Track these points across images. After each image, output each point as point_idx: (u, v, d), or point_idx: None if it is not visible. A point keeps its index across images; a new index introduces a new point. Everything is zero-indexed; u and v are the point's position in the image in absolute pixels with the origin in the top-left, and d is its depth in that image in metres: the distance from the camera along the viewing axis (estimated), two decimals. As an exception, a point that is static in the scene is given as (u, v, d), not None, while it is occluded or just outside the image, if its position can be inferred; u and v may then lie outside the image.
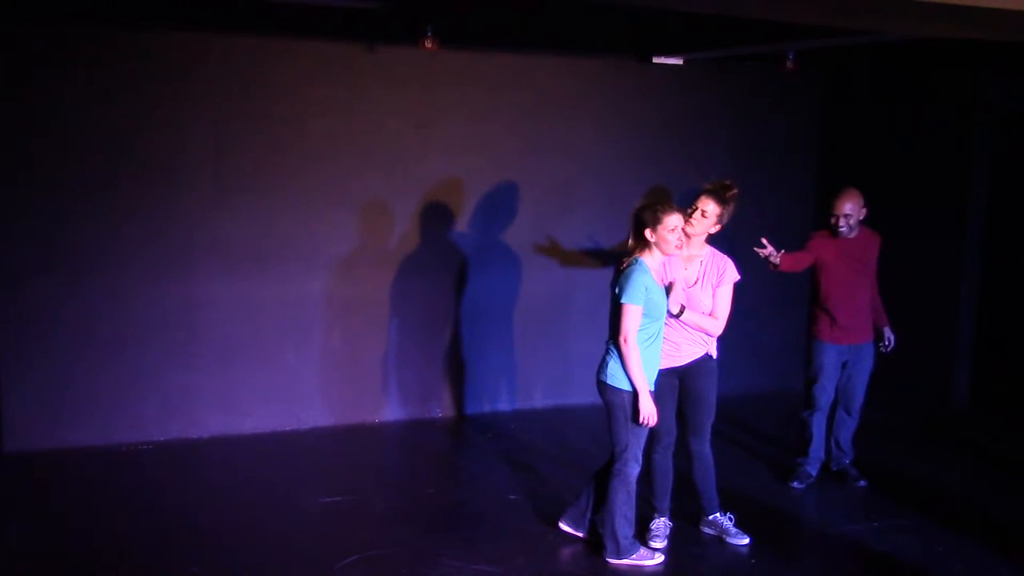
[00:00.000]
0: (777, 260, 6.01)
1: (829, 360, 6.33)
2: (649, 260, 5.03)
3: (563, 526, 5.52)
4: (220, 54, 6.91)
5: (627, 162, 8.10)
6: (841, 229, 6.18)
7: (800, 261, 6.25)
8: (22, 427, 6.68)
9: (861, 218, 6.22)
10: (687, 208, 5.34)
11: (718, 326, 5.37)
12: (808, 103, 8.71)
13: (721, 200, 5.33)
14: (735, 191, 5.40)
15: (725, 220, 5.40)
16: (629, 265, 5.01)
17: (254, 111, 7.03)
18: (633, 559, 5.19)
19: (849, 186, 6.30)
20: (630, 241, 5.09)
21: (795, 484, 6.42)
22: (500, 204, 7.79)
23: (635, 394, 5.01)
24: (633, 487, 5.15)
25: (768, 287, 8.48)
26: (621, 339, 4.97)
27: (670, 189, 7.99)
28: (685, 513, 5.73)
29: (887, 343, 6.50)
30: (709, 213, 5.32)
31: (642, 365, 5.00)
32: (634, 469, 5.13)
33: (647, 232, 4.99)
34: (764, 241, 6.04)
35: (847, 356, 6.37)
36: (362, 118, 7.33)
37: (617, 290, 5.01)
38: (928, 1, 4.17)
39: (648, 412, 4.99)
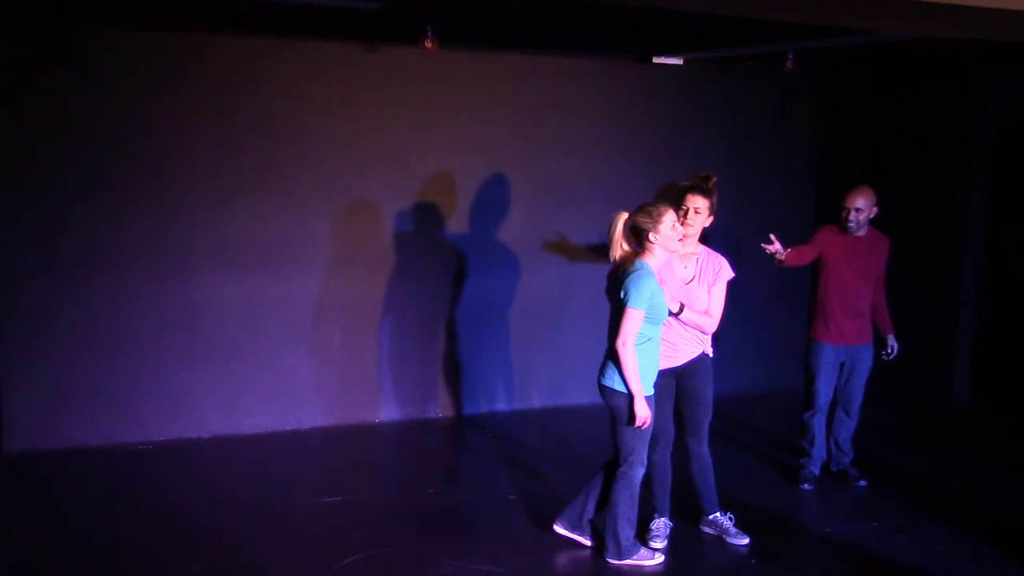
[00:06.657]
0: (783, 257, 6.01)
1: (827, 360, 6.32)
2: (652, 263, 5.02)
3: (558, 529, 5.46)
4: (219, 54, 6.91)
5: (627, 162, 8.10)
6: (850, 224, 6.17)
7: (805, 255, 6.24)
8: (22, 427, 6.69)
9: (872, 216, 6.20)
10: (678, 210, 5.35)
11: (713, 323, 5.39)
12: (808, 103, 8.71)
13: (707, 193, 5.41)
14: (715, 179, 5.49)
15: (714, 210, 5.46)
16: (635, 270, 4.97)
17: (254, 111, 7.03)
18: (634, 560, 5.19)
19: (864, 184, 6.29)
20: (625, 247, 5.05)
21: (804, 487, 6.40)
22: (499, 204, 7.78)
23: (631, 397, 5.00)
24: (637, 489, 5.14)
25: (767, 287, 8.49)
26: (619, 343, 4.95)
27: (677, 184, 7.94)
28: (685, 513, 5.73)
29: (890, 351, 6.49)
30: (701, 208, 5.37)
31: (642, 368, 4.99)
32: (639, 472, 5.12)
33: (650, 236, 4.97)
34: (773, 237, 6.05)
35: (845, 357, 6.35)
36: (362, 118, 7.33)
37: (623, 294, 4.96)
38: (928, 1, 4.16)
39: (644, 416, 4.98)
